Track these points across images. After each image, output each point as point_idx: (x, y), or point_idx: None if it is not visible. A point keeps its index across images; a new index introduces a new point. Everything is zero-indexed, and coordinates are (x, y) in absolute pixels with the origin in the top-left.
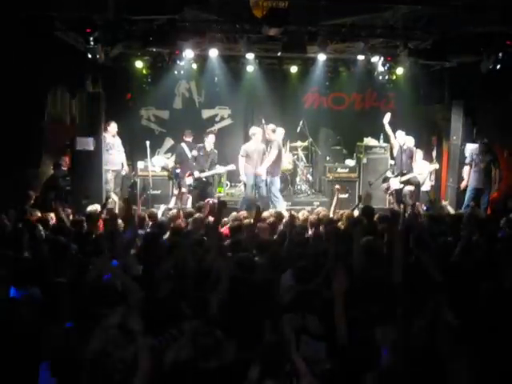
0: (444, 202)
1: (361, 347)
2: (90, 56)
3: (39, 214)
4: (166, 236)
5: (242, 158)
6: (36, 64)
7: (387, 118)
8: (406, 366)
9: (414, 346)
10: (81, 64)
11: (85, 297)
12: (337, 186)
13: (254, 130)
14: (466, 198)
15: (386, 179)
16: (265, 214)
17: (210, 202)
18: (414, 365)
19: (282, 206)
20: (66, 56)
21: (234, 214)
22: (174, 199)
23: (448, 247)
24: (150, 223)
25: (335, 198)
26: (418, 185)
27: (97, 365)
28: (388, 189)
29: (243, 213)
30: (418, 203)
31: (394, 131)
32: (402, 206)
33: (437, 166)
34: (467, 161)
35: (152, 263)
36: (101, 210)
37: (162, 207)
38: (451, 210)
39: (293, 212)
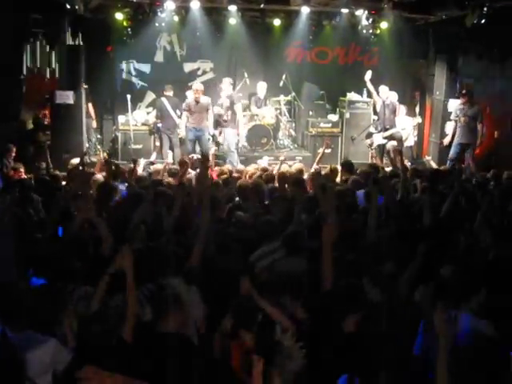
0: (427, 157)
1: (344, 293)
2: (68, 7)
3: (22, 169)
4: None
5: (185, 112)
6: (13, 15)
7: (368, 75)
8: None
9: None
10: (59, 15)
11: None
12: (327, 141)
13: (198, 86)
14: (450, 153)
15: (369, 135)
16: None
17: (195, 157)
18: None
19: (235, 160)
20: (43, 7)
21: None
22: (154, 154)
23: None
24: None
25: (322, 151)
26: (400, 140)
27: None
28: (371, 144)
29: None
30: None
31: (377, 87)
32: (385, 160)
33: (419, 119)
34: (452, 116)
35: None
36: (79, 163)
37: (142, 161)
38: (434, 165)
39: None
